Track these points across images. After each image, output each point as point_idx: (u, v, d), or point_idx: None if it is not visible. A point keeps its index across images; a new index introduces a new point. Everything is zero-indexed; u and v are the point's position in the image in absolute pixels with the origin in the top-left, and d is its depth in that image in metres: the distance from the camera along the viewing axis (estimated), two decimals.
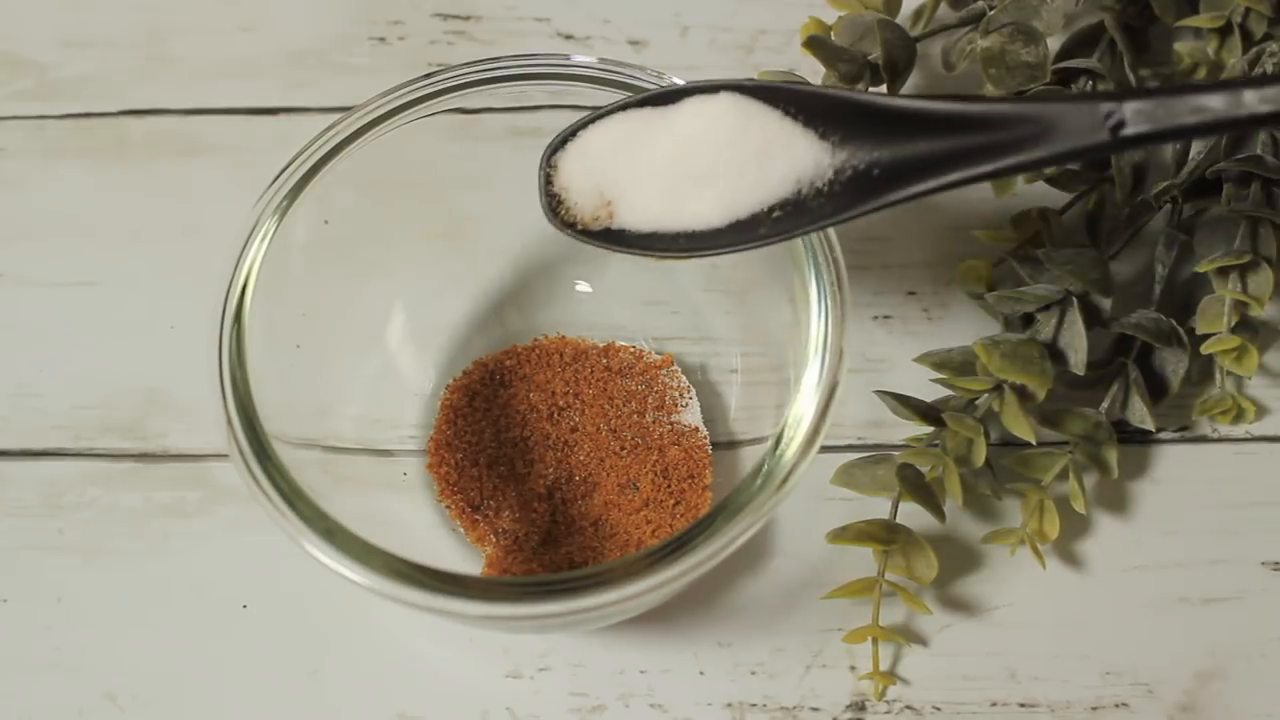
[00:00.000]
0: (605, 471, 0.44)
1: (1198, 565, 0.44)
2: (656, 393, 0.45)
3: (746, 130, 0.36)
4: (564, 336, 0.46)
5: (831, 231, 0.38)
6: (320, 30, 0.54)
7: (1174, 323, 0.44)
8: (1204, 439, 0.46)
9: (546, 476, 0.44)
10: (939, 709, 0.42)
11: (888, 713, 0.42)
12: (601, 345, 0.45)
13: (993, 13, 0.46)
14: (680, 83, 0.39)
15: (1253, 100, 0.30)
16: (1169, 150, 0.48)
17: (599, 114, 0.39)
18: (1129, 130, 0.31)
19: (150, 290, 0.49)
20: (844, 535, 0.42)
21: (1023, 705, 0.42)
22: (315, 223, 0.41)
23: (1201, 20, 0.47)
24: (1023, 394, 0.42)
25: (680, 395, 0.45)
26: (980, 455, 0.42)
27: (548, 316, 0.47)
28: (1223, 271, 0.43)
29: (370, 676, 0.43)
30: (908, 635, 0.43)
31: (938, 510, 0.42)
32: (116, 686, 0.43)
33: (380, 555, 0.35)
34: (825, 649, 0.43)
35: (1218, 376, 0.45)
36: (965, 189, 0.49)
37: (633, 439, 0.44)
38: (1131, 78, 0.47)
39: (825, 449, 0.37)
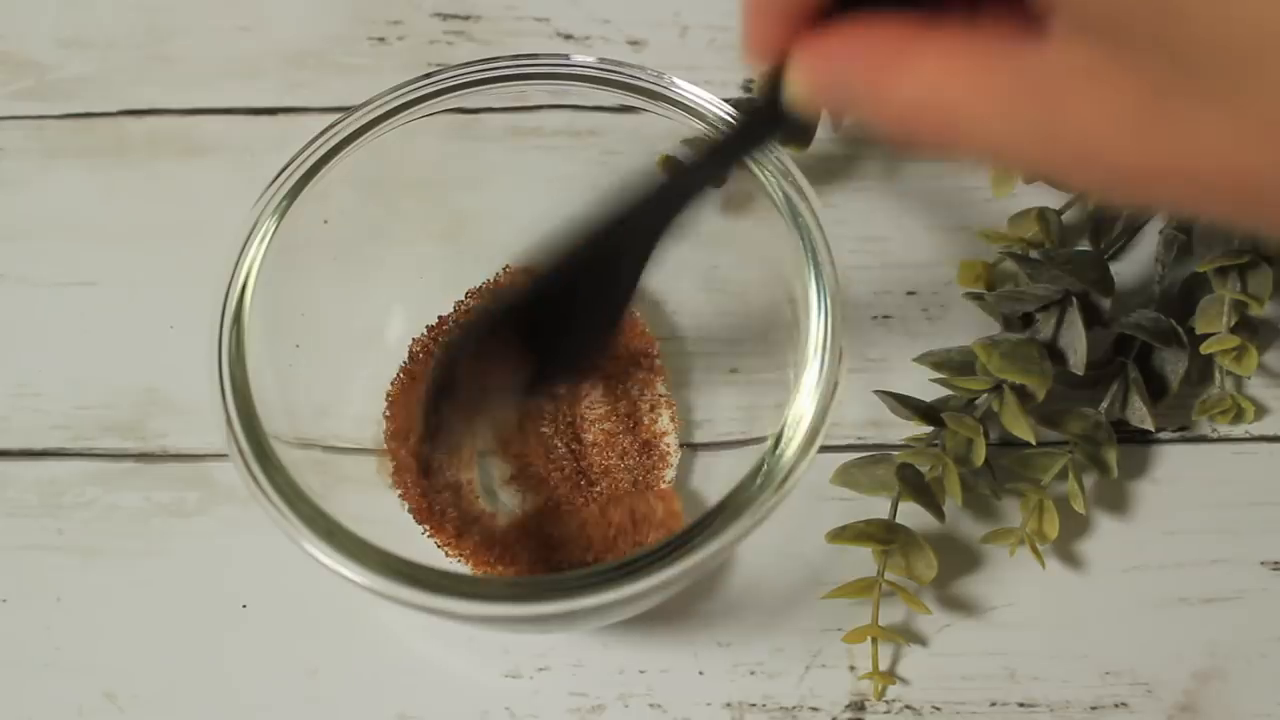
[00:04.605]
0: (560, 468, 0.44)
1: (1197, 565, 0.44)
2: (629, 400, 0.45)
3: None
4: None
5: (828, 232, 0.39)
6: (320, 30, 0.54)
7: (1174, 322, 0.44)
8: (1203, 439, 0.46)
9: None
10: (938, 709, 0.42)
11: (887, 712, 0.42)
12: None
13: None
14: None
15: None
16: None
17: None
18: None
19: (150, 290, 0.49)
20: (844, 535, 0.42)
21: (1022, 705, 0.42)
22: (315, 223, 0.41)
23: None
24: (1022, 394, 0.42)
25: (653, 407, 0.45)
26: (980, 455, 0.42)
27: None
28: (1222, 271, 0.43)
29: (370, 676, 0.43)
30: (907, 635, 0.43)
31: (937, 510, 0.42)
32: (116, 686, 0.43)
33: (380, 555, 0.35)
34: (825, 649, 0.43)
35: (1217, 376, 0.45)
36: (964, 187, 0.50)
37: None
38: None
39: (825, 449, 0.37)
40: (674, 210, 0.32)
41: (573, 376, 0.42)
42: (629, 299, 0.35)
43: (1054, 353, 0.43)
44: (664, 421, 0.44)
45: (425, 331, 0.46)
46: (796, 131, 0.31)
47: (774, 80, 0.28)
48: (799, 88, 0.28)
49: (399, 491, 0.43)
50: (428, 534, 0.42)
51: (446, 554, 0.42)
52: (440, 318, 0.46)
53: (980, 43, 0.25)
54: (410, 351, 0.45)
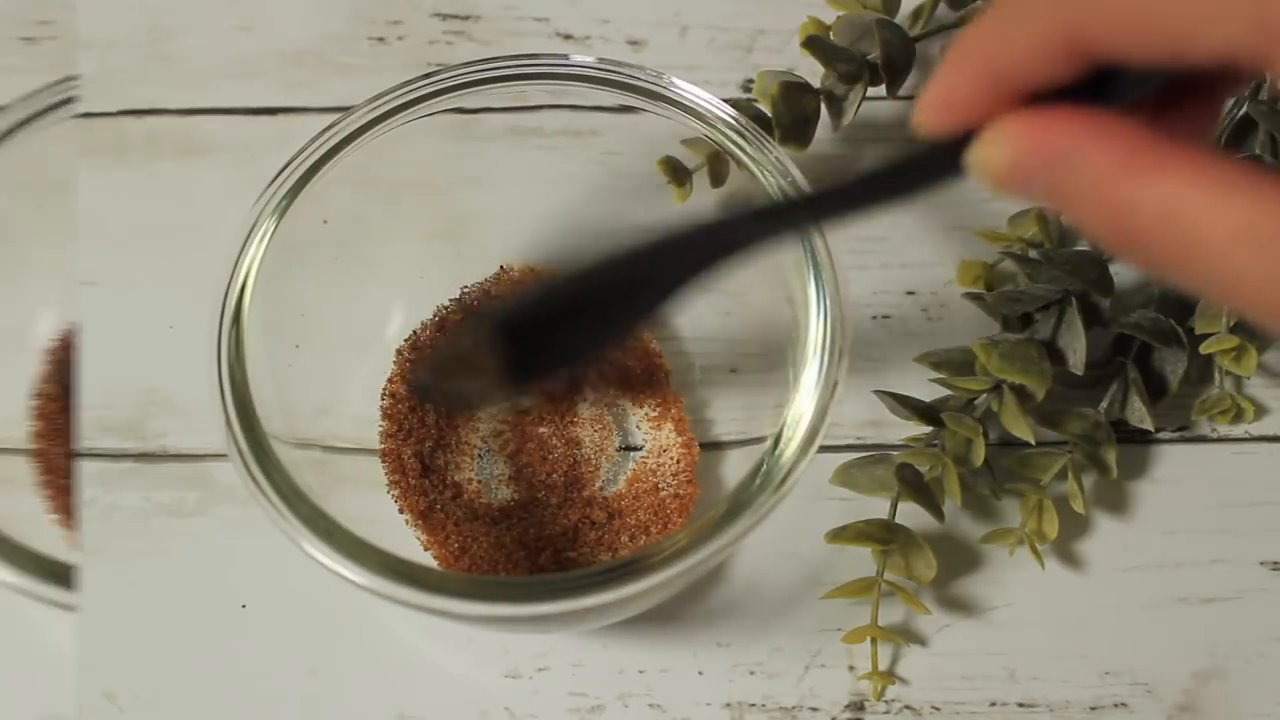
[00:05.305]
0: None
1: (1196, 565, 0.44)
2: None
3: None
4: None
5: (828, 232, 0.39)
6: (319, 30, 0.54)
7: (1173, 322, 0.44)
8: (1203, 439, 0.46)
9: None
10: (938, 709, 0.42)
11: (886, 713, 0.42)
12: None
13: None
14: None
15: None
16: None
17: None
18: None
19: (150, 290, 0.49)
20: (843, 535, 0.42)
21: (1022, 705, 0.42)
22: (315, 223, 0.41)
23: None
24: (1022, 394, 0.42)
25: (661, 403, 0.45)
26: (979, 455, 0.42)
27: None
28: None
29: (370, 676, 0.43)
30: (907, 635, 0.43)
31: (937, 510, 0.42)
32: (116, 686, 0.43)
33: (379, 555, 0.35)
34: (824, 649, 0.43)
35: (1217, 376, 0.45)
36: (964, 188, 0.50)
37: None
38: None
39: (824, 449, 0.37)
40: (724, 250, 0.30)
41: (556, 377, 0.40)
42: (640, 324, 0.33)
43: (1053, 353, 0.43)
44: (669, 422, 0.44)
45: (421, 326, 0.46)
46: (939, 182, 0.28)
47: (943, 143, 0.25)
48: (998, 160, 0.25)
49: (396, 492, 0.43)
50: (420, 536, 0.42)
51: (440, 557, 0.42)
52: (439, 307, 0.46)
53: (1237, 174, 0.23)
54: (406, 350, 0.45)
